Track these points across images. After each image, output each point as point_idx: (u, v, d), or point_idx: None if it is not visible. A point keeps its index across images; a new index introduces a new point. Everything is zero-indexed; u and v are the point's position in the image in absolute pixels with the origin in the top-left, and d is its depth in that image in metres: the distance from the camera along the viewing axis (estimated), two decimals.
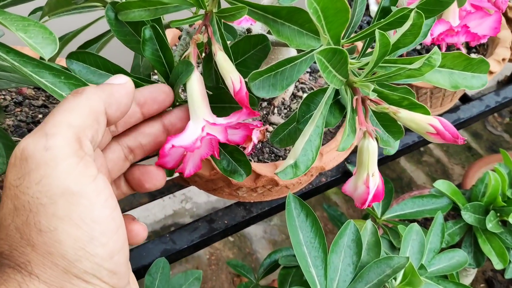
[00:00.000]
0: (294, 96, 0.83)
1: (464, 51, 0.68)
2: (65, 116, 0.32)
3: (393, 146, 0.45)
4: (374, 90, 0.39)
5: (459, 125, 1.01)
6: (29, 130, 0.70)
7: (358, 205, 0.46)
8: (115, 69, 0.45)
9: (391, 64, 0.41)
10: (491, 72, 0.87)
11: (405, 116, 0.38)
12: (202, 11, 0.46)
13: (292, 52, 0.73)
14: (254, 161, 0.73)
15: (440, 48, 0.68)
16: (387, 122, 0.44)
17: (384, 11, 0.47)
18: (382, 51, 0.36)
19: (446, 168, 1.73)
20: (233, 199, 0.80)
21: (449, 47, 0.95)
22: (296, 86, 0.84)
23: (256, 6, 0.43)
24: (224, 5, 0.45)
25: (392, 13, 0.38)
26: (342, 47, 0.38)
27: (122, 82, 0.37)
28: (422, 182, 1.68)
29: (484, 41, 0.65)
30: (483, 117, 1.06)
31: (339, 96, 0.44)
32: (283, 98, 0.81)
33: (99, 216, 0.31)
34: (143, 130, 0.43)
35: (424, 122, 0.37)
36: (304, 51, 0.42)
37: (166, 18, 0.55)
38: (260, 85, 0.43)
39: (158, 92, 0.41)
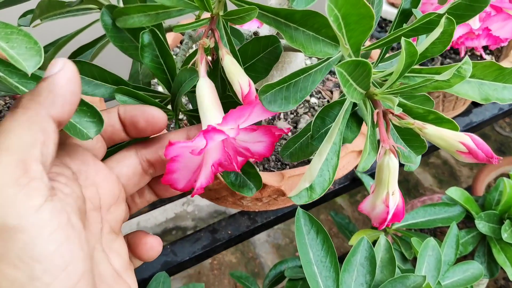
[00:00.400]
0: None
1: (484, 55, 0.64)
2: (2, 140, 0.28)
3: (415, 162, 0.41)
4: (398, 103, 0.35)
5: (471, 129, 0.97)
6: None
7: (375, 225, 0.43)
8: (112, 79, 0.41)
9: (415, 74, 0.37)
10: None
11: (432, 132, 0.34)
12: (207, 15, 0.43)
13: (299, 55, 0.69)
14: (260, 170, 0.69)
15: (459, 52, 0.64)
16: (409, 136, 0.40)
17: (404, 14, 0.43)
18: (408, 61, 0.32)
19: (453, 170, 1.69)
20: (237, 208, 0.76)
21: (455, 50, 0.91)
22: None
23: (266, 8, 0.39)
24: (230, 8, 0.42)
25: (418, 18, 0.34)
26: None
27: (58, 69, 0.31)
28: (429, 184, 1.65)
29: (504, 44, 0.61)
30: (496, 120, 1.02)
31: (356, 108, 0.41)
32: None
33: (41, 253, 0.27)
34: (164, 142, 0.40)
35: (454, 139, 0.34)
36: (320, 59, 0.38)
37: (167, 22, 0.51)
38: (271, 98, 0.39)
39: (139, 119, 0.37)
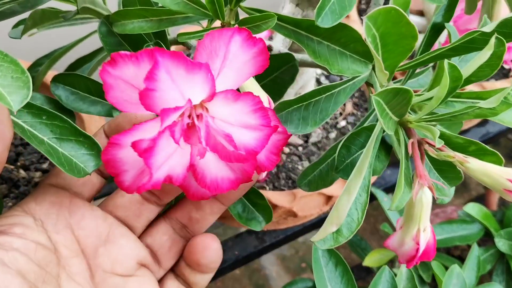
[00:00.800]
0: None
1: None
2: None
3: (449, 195, 0.37)
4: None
5: (488, 140, 0.93)
6: (9, 171, 0.61)
7: (403, 262, 0.39)
8: None
9: (454, 98, 0.33)
10: None
11: (476, 167, 0.30)
12: (217, 23, 0.39)
13: (311, 71, 0.65)
14: (269, 189, 0.65)
15: None
16: (444, 167, 0.36)
17: (435, 28, 0.39)
18: (451, 86, 0.28)
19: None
20: (244, 227, 0.72)
21: None
22: None
23: (286, 19, 0.35)
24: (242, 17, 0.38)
25: (460, 36, 0.30)
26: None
27: None
28: None
29: None
30: None
31: (385, 133, 0.37)
32: None
33: None
34: None
35: (502, 177, 0.29)
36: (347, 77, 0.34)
37: (171, 32, 0.47)
38: (287, 117, 0.35)
39: (124, 125, 0.34)
